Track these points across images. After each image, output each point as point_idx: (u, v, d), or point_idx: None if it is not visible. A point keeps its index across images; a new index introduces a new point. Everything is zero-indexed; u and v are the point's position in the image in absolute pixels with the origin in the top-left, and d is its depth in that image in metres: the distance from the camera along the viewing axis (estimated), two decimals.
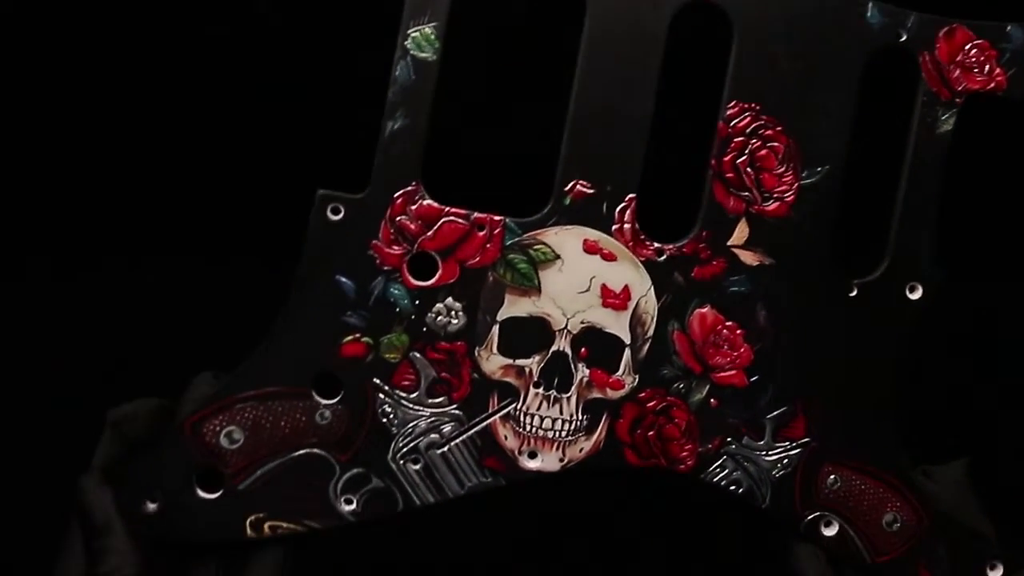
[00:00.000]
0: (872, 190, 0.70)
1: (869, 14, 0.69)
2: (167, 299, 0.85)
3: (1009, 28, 0.71)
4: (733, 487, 0.69)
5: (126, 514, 0.62)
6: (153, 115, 0.83)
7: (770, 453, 0.69)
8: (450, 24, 0.64)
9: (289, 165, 0.76)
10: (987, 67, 0.71)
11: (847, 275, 0.69)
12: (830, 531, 0.70)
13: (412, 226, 0.64)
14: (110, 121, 0.83)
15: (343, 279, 0.64)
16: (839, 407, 0.69)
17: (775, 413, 0.69)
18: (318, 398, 0.64)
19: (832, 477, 0.69)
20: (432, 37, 0.63)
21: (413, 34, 0.63)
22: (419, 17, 0.63)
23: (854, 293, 0.69)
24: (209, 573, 0.66)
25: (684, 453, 0.68)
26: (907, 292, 0.69)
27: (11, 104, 0.81)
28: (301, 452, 0.64)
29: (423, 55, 0.63)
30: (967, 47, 0.71)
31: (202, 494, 0.63)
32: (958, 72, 0.71)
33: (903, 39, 0.70)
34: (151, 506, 0.62)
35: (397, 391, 0.65)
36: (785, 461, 0.69)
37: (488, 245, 0.65)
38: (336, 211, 0.63)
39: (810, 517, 0.69)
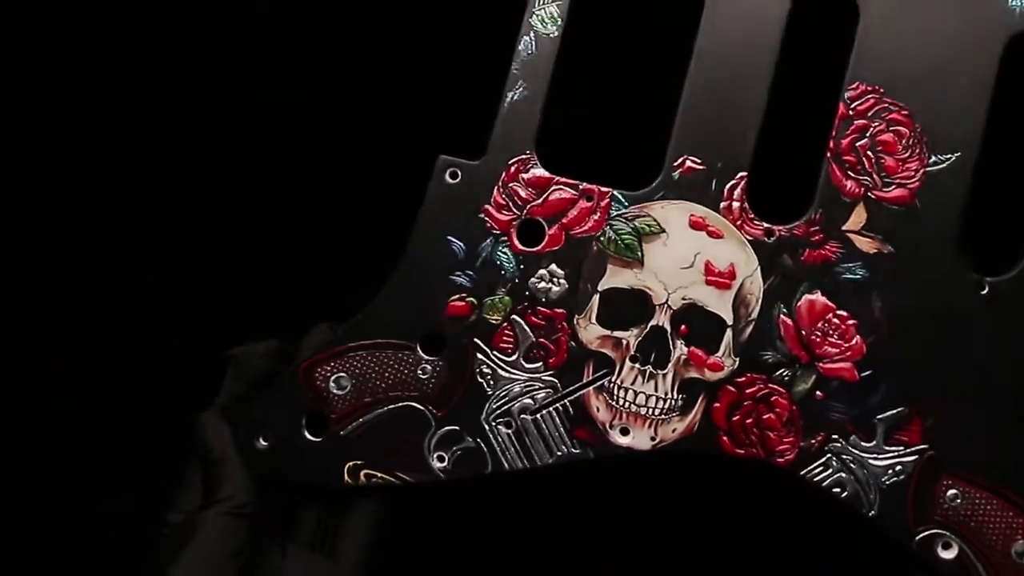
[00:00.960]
0: (1012, 182, 0.63)
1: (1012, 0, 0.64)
2: (167, 299, 0.84)
3: None
4: (837, 489, 0.61)
5: (241, 448, 0.64)
6: (153, 115, 0.83)
7: (880, 457, 0.62)
8: (574, 2, 0.66)
9: (290, 165, 0.77)
10: None
11: (979, 271, 0.62)
12: (948, 553, 0.61)
13: (523, 193, 0.64)
14: (110, 121, 0.83)
15: (454, 239, 0.64)
16: (964, 416, 0.61)
17: (888, 414, 0.62)
18: (421, 352, 0.64)
19: (953, 492, 0.61)
20: (556, 15, 0.64)
21: (538, 11, 0.64)
22: None
23: (985, 291, 0.61)
24: (312, 518, 0.67)
25: (784, 446, 0.62)
26: None
27: (10, 104, 0.82)
28: (401, 404, 0.64)
29: (546, 31, 0.64)
30: None
31: (309, 436, 0.64)
32: None
33: None
34: (263, 443, 0.64)
35: (495, 352, 0.64)
36: (898, 468, 0.61)
37: (595, 215, 0.64)
38: (454, 175, 0.64)
39: (925, 534, 0.61)
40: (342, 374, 0.66)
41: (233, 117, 0.84)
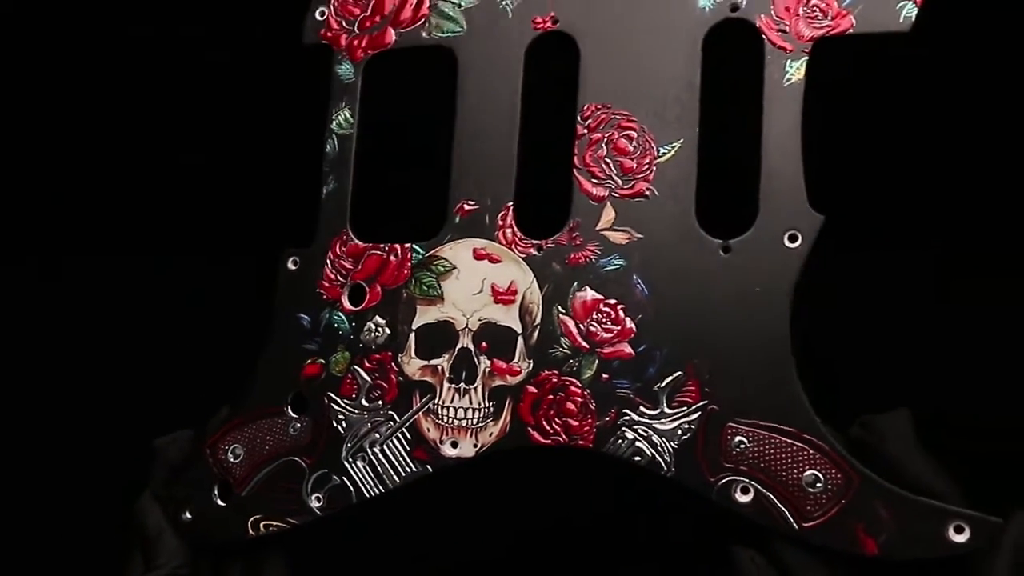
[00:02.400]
0: (739, 151, 0.64)
1: (700, 1, 0.63)
2: (168, 299, 0.84)
3: None
4: (636, 457, 0.60)
5: (171, 523, 0.69)
6: (152, 117, 0.84)
7: (667, 420, 0.60)
8: (363, 105, 0.71)
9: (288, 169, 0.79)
10: (829, 13, 0.64)
11: (722, 236, 0.60)
12: (745, 497, 0.58)
13: (347, 264, 0.68)
14: (108, 123, 0.84)
15: (302, 315, 0.68)
16: (733, 366, 0.59)
17: (666, 380, 0.60)
18: (291, 413, 0.68)
19: (739, 439, 0.58)
20: (349, 117, 0.69)
21: (335, 117, 0.70)
22: (339, 104, 0.70)
23: (730, 253, 0.60)
24: (236, 572, 0.75)
25: (584, 428, 0.61)
26: (786, 242, 0.59)
27: (10, 104, 0.83)
28: (282, 460, 0.67)
29: (343, 132, 0.70)
30: (804, 0, 0.65)
31: (220, 503, 0.68)
32: (799, 24, 0.60)
33: (738, 12, 0.66)
34: (187, 516, 0.69)
35: (344, 400, 0.66)
36: (685, 427, 0.59)
37: (400, 268, 0.66)
38: (295, 263, 0.69)
39: (721, 482, 0.58)
40: (236, 445, 0.68)
41: (231, 120, 0.85)
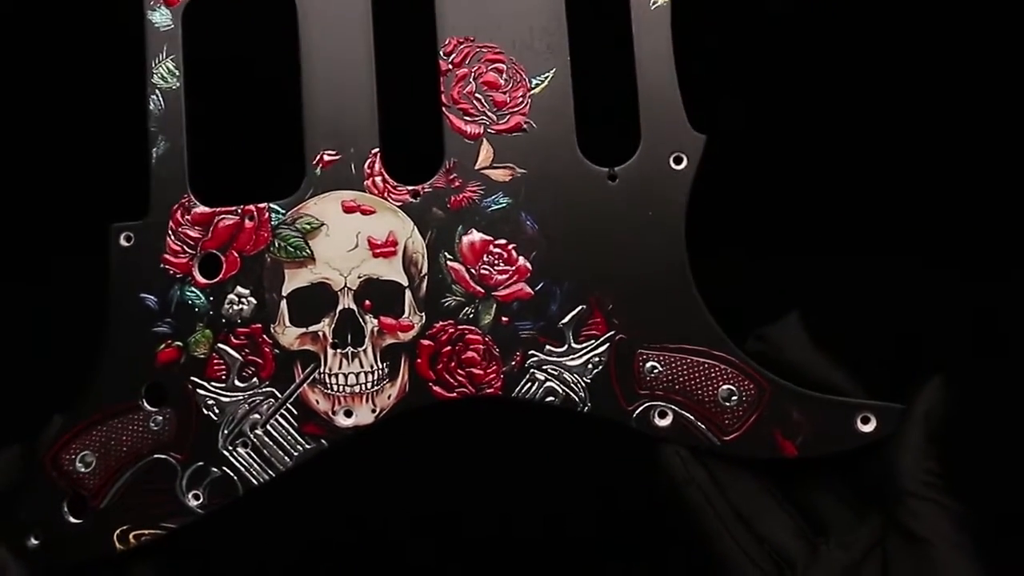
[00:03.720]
0: (613, 79, 0.64)
1: None
2: None
3: None
4: (550, 398, 0.59)
5: (13, 554, 0.60)
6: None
7: (576, 356, 0.59)
8: (186, 51, 0.62)
9: None
10: None
11: (607, 164, 0.60)
12: (664, 421, 0.58)
13: (193, 233, 0.61)
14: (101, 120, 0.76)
15: (146, 295, 0.61)
16: (635, 294, 0.59)
17: (569, 316, 0.59)
18: (148, 407, 0.60)
19: (650, 364, 0.58)
20: (173, 68, 0.62)
21: (157, 70, 0.62)
22: (158, 55, 0.62)
23: (617, 181, 0.59)
24: None
25: (489, 376, 0.59)
26: (672, 164, 0.59)
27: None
28: (145, 460, 0.60)
29: (168, 85, 0.62)
30: None
31: (73, 520, 0.60)
32: None
33: None
34: (34, 542, 0.60)
35: (212, 383, 0.60)
36: (595, 360, 0.59)
37: (260, 231, 0.61)
38: (128, 238, 0.61)
39: (638, 410, 0.58)
40: (85, 452, 0.60)
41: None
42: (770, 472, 0.56)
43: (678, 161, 0.58)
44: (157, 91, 0.61)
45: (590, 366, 0.57)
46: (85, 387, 0.61)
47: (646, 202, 0.58)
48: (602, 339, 0.58)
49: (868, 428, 0.56)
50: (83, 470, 0.60)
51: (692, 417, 0.57)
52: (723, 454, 0.57)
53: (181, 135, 0.61)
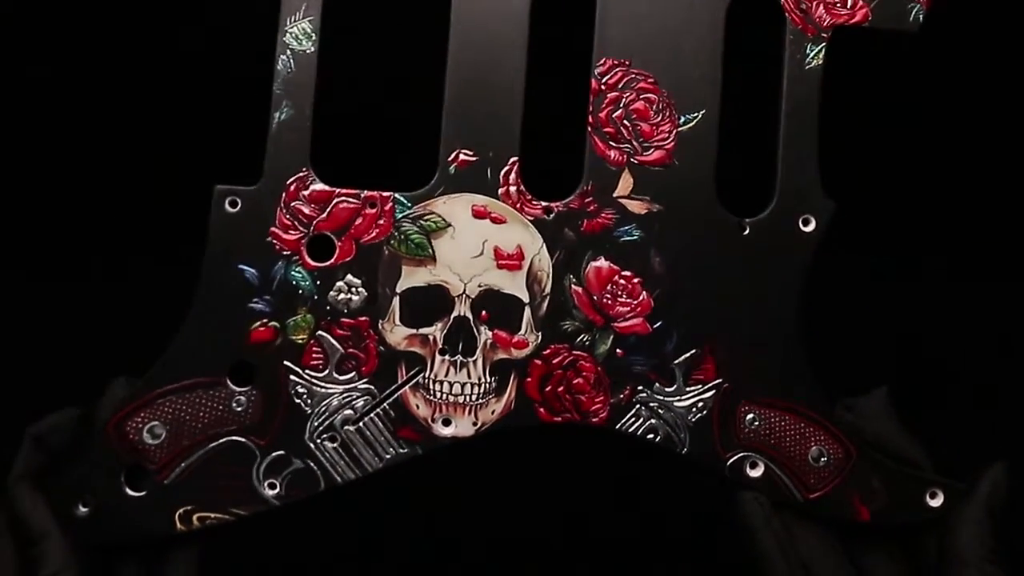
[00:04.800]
0: (757, 131, 0.66)
1: None
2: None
3: None
4: (651, 435, 0.59)
5: (60, 519, 0.56)
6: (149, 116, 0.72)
7: (683, 398, 0.60)
8: (325, 16, 0.58)
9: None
10: (848, 1, 0.62)
11: (740, 215, 0.60)
12: (755, 472, 0.60)
13: (306, 210, 0.58)
14: (98, 122, 0.72)
15: (245, 267, 0.58)
16: (747, 345, 0.59)
17: (683, 357, 0.60)
18: (233, 386, 0.57)
19: (750, 416, 0.60)
20: (309, 31, 0.58)
21: (291, 29, 0.58)
22: (295, 13, 0.58)
23: (747, 232, 0.60)
24: (131, 572, 0.59)
25: (596, 405, 0.59)
26: (800, 225, 0.60)
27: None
28: (222, 441, 0.57)
29: (302, 48, 0.58)
30: None
31: (131, 493, 0.57)
32: (820, 9, 0.61)
33: None
34: (83, 509, 0.57)
35: (307, 371, 0.58)
36: (700, 404, 0.60)
37: (381, 221, 0.58)
38: (234, 204, 0.58)
39: (733, 459, 0.59)
40: (155, 423, 0.57)
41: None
42: (838, 532, 0.60)
43: (807, 223, 0.60)
44: (288, 51, 0.58)
45: (695, 410, 0.59)
46: (166, 354, 0.57)
47: (771, 257, 0.59)
48: (710, 385, 0.59)
49: (936, 503, 0.60)
50: (150, 442, 0.57)
51: (781, 472, 0.59)
52: (804, 510, 0.59)
53: (309, 103, 0.58)
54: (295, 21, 0.57)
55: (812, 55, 0.60)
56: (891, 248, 0.76)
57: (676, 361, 0.58)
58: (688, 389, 0.59)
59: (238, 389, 0.57)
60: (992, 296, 0.76)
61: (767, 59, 0.60)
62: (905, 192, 0.77)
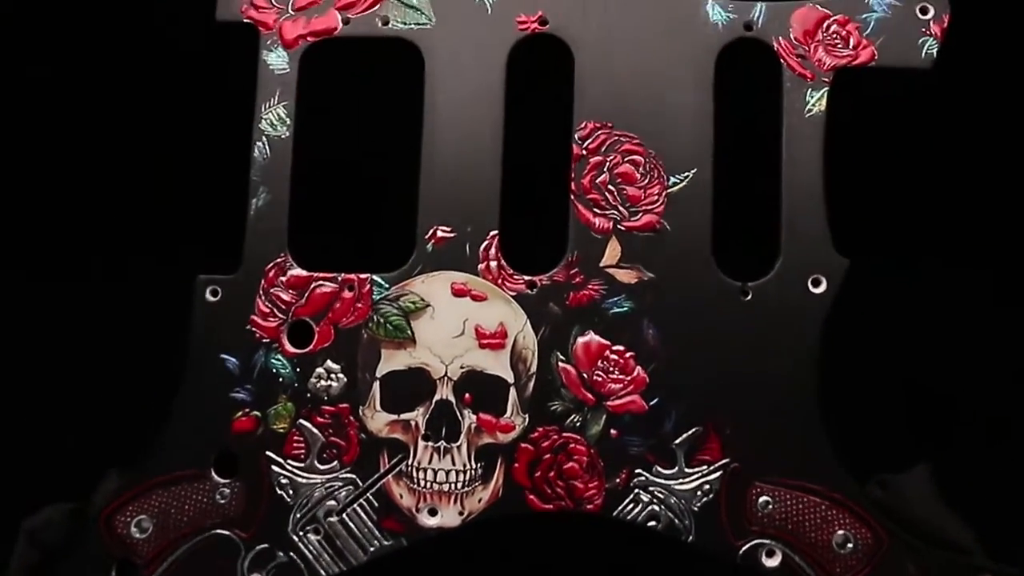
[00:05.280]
0: (755, 185, 0.61)
1: (711, 13, 0.57)
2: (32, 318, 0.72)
3: None
4: (652, 522, 0.55)
5: None
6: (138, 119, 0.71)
7: (686, 481, 0.55)
8: (299, 101, 0.58)
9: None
10: (850, 41, 0.57)
11: (741, 279, 0.56)
12: (772, 561, 0.54)
13: (285, 296, 0.57)
14: (96, 123, 0.72)
15: (227, 356, 0.57)
16: (756, 421, 0.54)
17: (684, 436, 0.55)
18: (216, 477, 0.56)
19: (764, 499, 0.54)
20: (284, 116, 0.58)
21: (266, 116, 0.58)
22: (269, 99, 0.58)
23: (750, 297, 0.55)
24: None
25: (590, 491, 0.55)
26: (809, 287, 0.55)
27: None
28: (206, 534, 0.56)
29: (276, 133, 0.58)
30: (825, 25, 0.57)
31: None
32: (819, 52, 0.57)
33: (753, 31, 0.57)
34: None
35: (289, 461, 0.56)
36: (705, 487, 0.55)
37: (359, 304, 0.57)
38: (215, 293, 0.57)
39: (746, 547, 0.54)
40: (142, 516, 0.56)
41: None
42: None
43: (816, 283, 0.54)
44: (264, 137, 0.57)
45: (699, 494, 0.54)
46: (149, 445, 0.57)
47: (778, 323, 0.54)
48: (715, 466, 0.54)
49: None
50: (138, 536, 0.56)
51: (802, 561, 0.53)
52: None
53: (285, 188, 0.57)
54: (270, 107, 0.57)
55: (813, 101, 0.55)
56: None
57: (676, 441, 0.54)
58: (691, 471, 0.54)
59: (222, 481, 0.56)
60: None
61: (764, 107, 0.56)
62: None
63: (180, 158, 0.67)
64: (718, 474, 0.54)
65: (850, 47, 0.55)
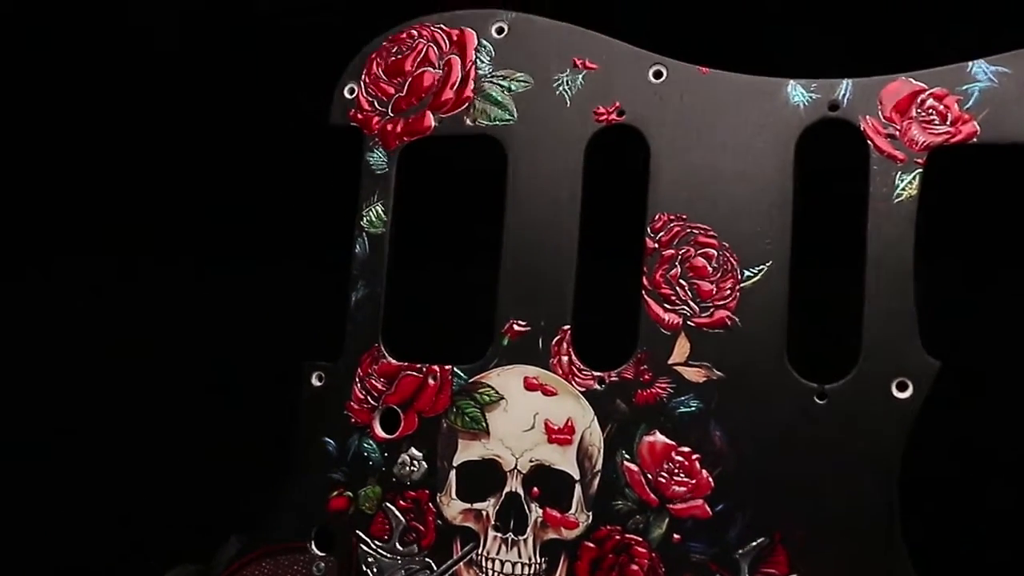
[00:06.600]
0: (836, 279, 0.56)
1: (793, 95, 0.54)
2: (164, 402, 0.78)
3: (971, 67, 0.52)
4: None
5: None
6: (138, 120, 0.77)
7: None
8: (397, 199, 0.62)
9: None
10: (948, 117, 0.52)
11: (817, 380, 0.52)
12: None
13: (378, 384, 0.60)
14: (94, 124, 0.77)
15: (328, 439, 0.61)
16: (828, 535, 0.50)
17: (749, 547, 0.52)
18: (315, 550, 0.60)
19: None
20: (382, 213, 0.62)
21: (366, 214, 0.62)
22: (370, 197, 0.62)
23: (825, 400, 0.52)
24: None
25: None
26: (894, 391, 0.51)
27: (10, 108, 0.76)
28: None
29: (375, 230, 0.62)
30: (920, 99, 0.53)
31: None
32: (913, 129, 0.52)
33: (838, 110, 0.54)
34: None
35: (375, 541, 0.59)
36: None
37: (440, 394, 0.59)
38: (320, 379, 0.62)
39: None
40: None
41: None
42: None
43: (902, 388, 0.49)
44: (364, 234, 0.61)
45: None
46: (263, 517, 0.62)
47: (857, 430, 0.50)
48: None
49: None
50: None
51: None
52: None
53: (381, 282, 0.60)
54: (370, 205, 0.61)
55: (903, 185, 0.51)
56: None
57: (741, 551, 0.52)
58: None
59: (320, 554, 0.60)
60: None
61: (848, 194, 0.53)
62: None
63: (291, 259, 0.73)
64: None
65: (948, 123, 0.51)
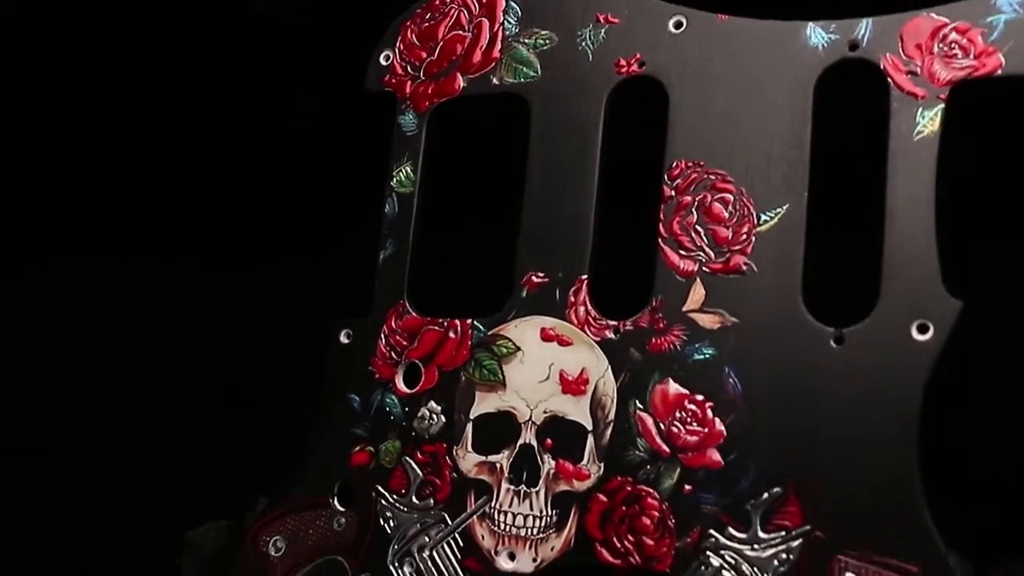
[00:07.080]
0: (855, 219, 0.53)
1: (812, 37, 0.53)
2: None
3: None
4: None
5: None
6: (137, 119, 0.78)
7: (761, 547, 0.49)
8: (425, 160, 0.63)
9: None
10: (971, 50, 0.50)
11: (834, 324, 0.50)
12: None
13: (402, 340, 0.61)
14: (92, 123, 0.79)
15: (352, 395, 0.61)
16: (844, 485, 0.48)
17: (761, 498, 0.50)
18: (337, 505, 0.61)
19: (849, 575, 0.48)
20: (410, 173, 0.63)
21: (396, 174, 0.63)
22: (400, 158, 0.63)
23: (843, 344, 0.50)
24: None
25: (661, 550, 0.51)
26: (914, 333, 0.49)
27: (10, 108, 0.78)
28: (324, 559, 0.60)
29: (404, 190, 0.63)
30: (943, 34, 0.51)
31: None
32: (935, 64, 0.50)
33: (858, 49, 0.53)
34: None
35: (393, 495, 0.59)
36: (783, 556, 0.49)
37: (460, 347, 0.59)
38: (348, 336, 0.63)
39: None
40: (278, 537, 0.62)
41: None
42: None
43: (923, 330, 0.47)
44: (394, 194, 0.62)
45: (776, 563, 0.48)
46: (290, 474, 0.63)
47: (875, 374, 0.48)
48: (795, 533, 0.48)
49: None
50: (274, 554, 0.62)
51: None
52: None
53: (408, 240, 0.61)
54: (400, 166, 0.63)
55: (923, 122, 0.50)
56: None
57: (753, 502, 0.50)
58: (767, 537, 0.50)
59: (341, 510, 0.61)
60: None
61: (867, 133, 0.51)
62: None
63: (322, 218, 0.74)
64: (798, 543, 0.49)
65: (971, 57, 0.49)
